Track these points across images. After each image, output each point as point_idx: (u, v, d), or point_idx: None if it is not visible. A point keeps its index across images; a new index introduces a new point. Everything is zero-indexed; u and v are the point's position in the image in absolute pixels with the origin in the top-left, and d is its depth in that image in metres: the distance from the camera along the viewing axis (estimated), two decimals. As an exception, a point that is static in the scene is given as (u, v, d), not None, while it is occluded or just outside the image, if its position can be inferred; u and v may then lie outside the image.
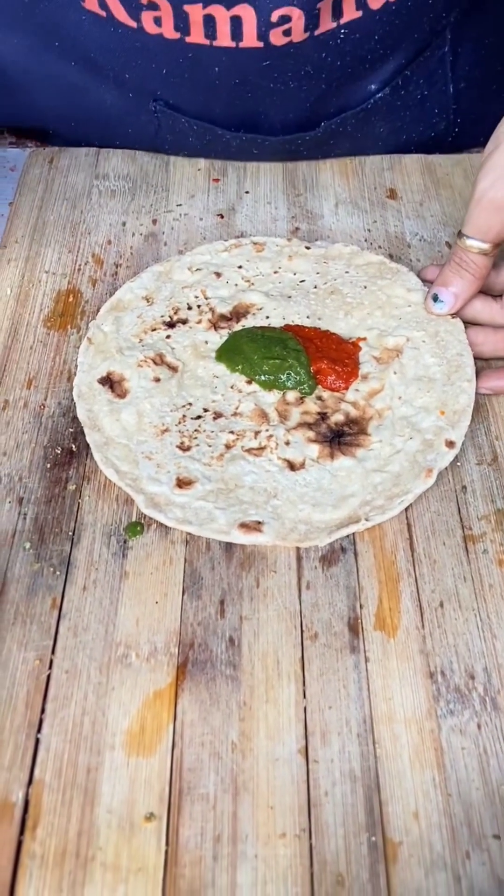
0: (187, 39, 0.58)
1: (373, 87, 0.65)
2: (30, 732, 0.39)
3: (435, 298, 0.54)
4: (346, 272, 0.59)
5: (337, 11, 0.58)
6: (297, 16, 0.57)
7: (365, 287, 0.57)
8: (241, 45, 0.58)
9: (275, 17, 0.57)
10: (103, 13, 0.58)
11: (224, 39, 0.58)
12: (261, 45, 0.58)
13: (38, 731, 0.39)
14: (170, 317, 0.57)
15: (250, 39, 0.58)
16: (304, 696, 0.41)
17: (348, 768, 0.39)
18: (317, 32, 0.59)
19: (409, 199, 0.66)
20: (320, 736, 0.39)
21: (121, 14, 0.58)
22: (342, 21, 0.59)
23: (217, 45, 0.58)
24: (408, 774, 0.39)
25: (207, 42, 0.58)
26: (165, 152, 0.69)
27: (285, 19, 0.57)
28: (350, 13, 0.59)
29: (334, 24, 0.59)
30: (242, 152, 0.67)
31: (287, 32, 0.58)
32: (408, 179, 0.68)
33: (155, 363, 0.54)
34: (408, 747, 0.39)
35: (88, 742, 0.39)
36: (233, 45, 0.58)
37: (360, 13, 0.59)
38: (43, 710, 0.40)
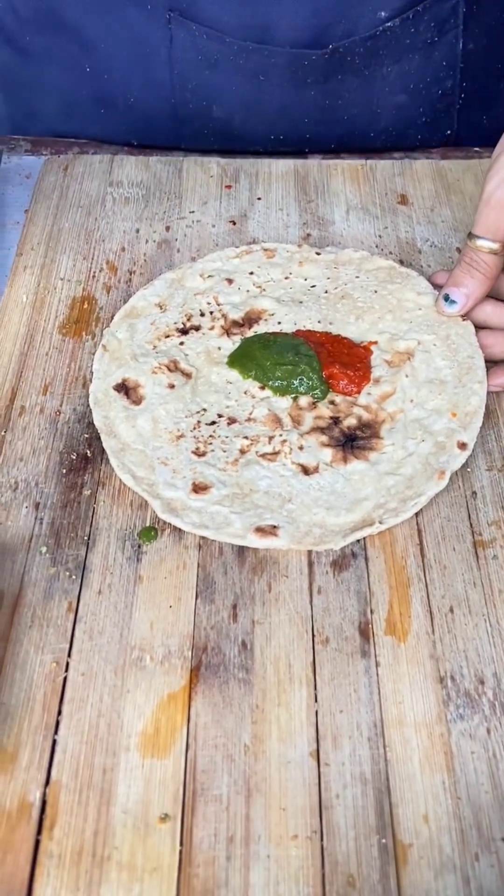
0: None
1: (382, 14, 0.65)
2: (47, 734, 0.40)
3: (446, 299, 0.55)
4: (357, 277, 0.59)
5: None
6: None
7: (375, 291, 0.58)
8: None
9: None
10: None
11: None
12: None
13: (56, 732, 0.40)
14: (183, 323, 0.57)
15: None
16: (316, 700, 0.41)
17: (359, 771, 0.39)
18: None
19: (420, 205, 0.67)
20: (331, 739, 0.40)
21: None
22: None
23: None
24: (418, 778, 0.39)
25: None
26: (174, 81, 0.69)
27: None
28: None
29: None
30: (250, 80, 0.67)
31: None
32: (419, 185, 0.68)
33: (169, 370, 0.55)
34: (418, 751, 0.40)
35: (104, 743, 0.40)
36: None
37: None
38: (60, 712, 0.41)
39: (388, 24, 0.66)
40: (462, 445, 0.50)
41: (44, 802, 0.38)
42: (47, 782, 0.39)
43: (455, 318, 0.55)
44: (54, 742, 0.40)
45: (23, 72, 0.74)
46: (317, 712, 0.41)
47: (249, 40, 0.66)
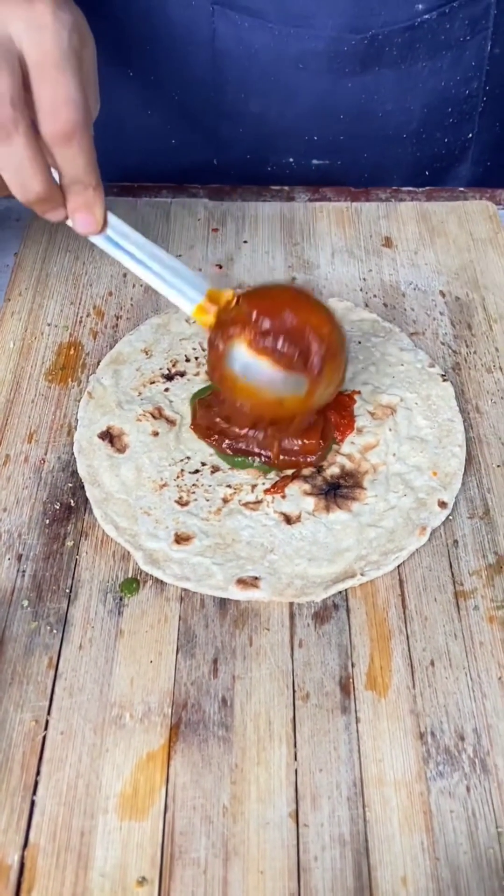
0: None
1: (420, 6, 0.67)
2: (25, 795, 0.40)
3: None
4: (341, 326, 0.60)
5: None
6: None
7: (359, 342, 0.58)
8: None
9: None
10: None
11: None
12: None
13: (34, 793, 0.40)
14: (168, 369, 0.58)
15: None
16: (296, 759, 0.41)
17: (338, 833, 0.39)
18: None
19: (404, 248, 0.67)
20: (311, 799, 0.40)
21: None
22: None
23: None
24: (397, 838, 0.39)
25: None
26: (216, 75, 0.69)
27: None
28: None
29: None
30: (288, 69, 0.68)
31: None
32: (403, 227, 0.69)
33: (153, 417, 0.55)
34: (397, 811, 0.40)
35: (82, 805, 0.40)
36: None
37: None
38: (38, 772, 0.41)
39: (426, 16, 0.67)
40: (442, 504, 0.50)
41: (22, 865, 0.38)
42: (25, 844, 0.39)
43: (435, 379, 0.56)
44: (32, 803, 0.40)
45: None
46: (296, 771, 0.41)
47: (291, 26, 0.66)
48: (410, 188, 0.74)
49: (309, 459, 0.52)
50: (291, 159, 0.73)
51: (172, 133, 0.74)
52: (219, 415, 0.53)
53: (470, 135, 0.76)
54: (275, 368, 0.47)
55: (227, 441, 0.52)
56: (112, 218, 0.51)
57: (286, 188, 0.72)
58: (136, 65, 0.72)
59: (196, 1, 0.67)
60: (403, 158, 0.74)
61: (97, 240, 0.51)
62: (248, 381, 0.48)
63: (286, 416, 0.50)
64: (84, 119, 0.46)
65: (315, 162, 0.73)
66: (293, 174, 0.75)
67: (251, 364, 0.47)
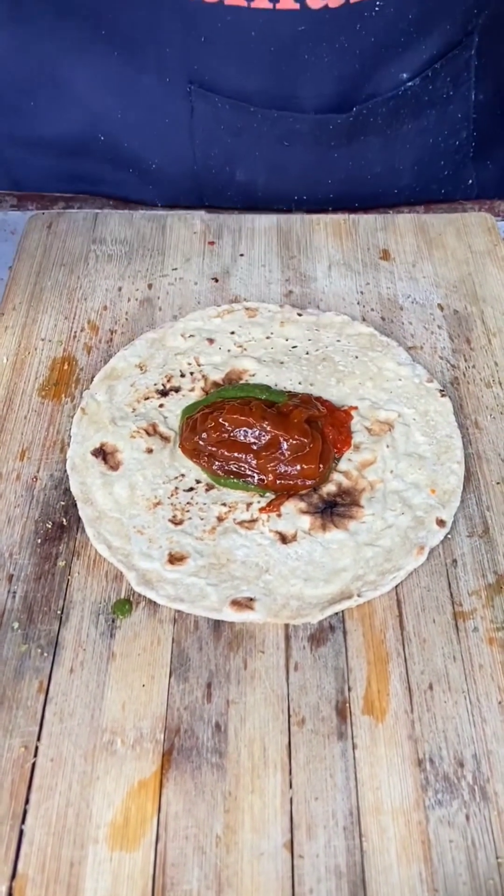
0: (226, 1, 0.60)
1: (403, 75, 0.67)
2: (14, 824, 0.39)
3: None
4: (338, 341, 0.59)
5: None
6: None
7: (356, 357, 0.58)
8: (279, 6, 0.59)
9: None
10: None
11: (261, 0, 0.59)
12: (297, 6, 0.60)
13: (23, 822, 0.39)
14: (163, 385, 0.57)
15: (287, 0, 0.59)
16: (291, 786, 0.40)
17: (334, 864, 0.38)
18: (353, 0, 0.60)
19: (402, 260, 0.67)
20: (306, 829, 0.39)
21: None
22: None
23: (254, 7, 0.60)
24: (394, 869, 0.38)
25: (245, 3, 0.60)
26: (197, 152, 0.69)
27: None
28: None
29: None
30: (273, 145, 0.68)
31: None
32: (401, 240, 0.69)
33: (148, 433, 0.54)
34: (395, 840, 0.39)
35: (72, 835, 0.39)
36: (270, 6, 0.59)
37: None
38: (27, 801, 0.40)
39: (409, 83, 0.67)
40: (441, 522, 0.49)
41: (9, 897, 0.37)
42: (13, 875, 0.38)
43: (433, 394, 0.55)
44: (21, 833, 0.39)
45: (30, 137, 0.73)
46: (291, 799, 0.40)
47: (274, 108, 0.66)
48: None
49: (308, 483, 0.51)
50: (282, 206, 0.73)
51: (156, 196, 0.73)
52: (206, 442, 0.51)
53: (470, 181, 0.75)
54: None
55: (217, 463, 0.51)
56: None
57: (283, 200, 0.72)
58: (107, 130, 0.71)
59: (171, 79, 0.66)
60: (398, 206, 0.74)
61: None
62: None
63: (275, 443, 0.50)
64: None
65: (306, 209, 0.72)
66: None
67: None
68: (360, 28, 0.62)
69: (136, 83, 0.67)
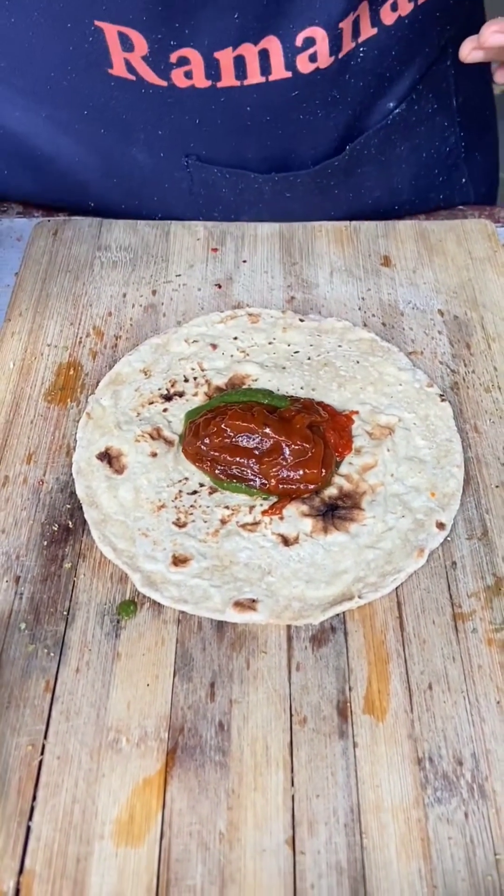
0: (219, 85, 0.61)
1: (391, 104, 0.68)
2: (21, 820, 0.40)
3: None
4: (339, 346, 0.60)
5: (356, 30, 0.61)
6: (321, 37, 0.59)
7: (357, 362, 0.59)
8: (271, 78, 0.60)
9: (299, 40, 0.59)
10: (132, 77, 0.60)
11: (254, 76, 0.60)
12: (289, 74, 0.61)
13: (30, 818, 0.40)
14: (167, 389, 0.58)
15: (279, 71, 0.60)
16: (292, 784, 0.41)
17: (335, 860, 0.39)
18: (340, 55, 0.61)
19: (402, 267, 0.68)
20: (307, 826, 0.40)
21: (150, 76, 0.60)
22: (360, 40, 0.62)
23: (248, 84, 0.61)
24: (394, 866, 0.39)
25: (238, 83, 0.60)
26: (200, 208, 0.70)
27: (310, 42, 0.59)
28: (367, 31, 0.62)
29: (353, 44, 0.62)
30: (275, 197, 0.69)
31: (313, 58, 0.60)
32: (402, 246, 0.69)
33: (152, 437, 0.55)
34: (395, 837, 0.40)
35: (78, 831, 0.39)
36: (262, 80, 0.60)
37: (375, 30, 0.62)
38: (34, 798, 0.40)
39: (396, 110, 0.68)
40: (440, 525, 0.50)
41: (17, 892, 0.38)
42: (21, 871, 0.39)
43: (433, 399, 0.56)
44: (28, 829, 0.40)
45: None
46: (293, 797, 0.41)
47: (273, 171, 0.67)
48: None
49: (310, 487, 0.51)
50: None
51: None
52: (209, 447, 0.52)
53: (463, 179, 0.76)
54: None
55: (218, 467, 0.52)
56: None
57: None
58: (98, 195, 0.71)
59: (165, 154, 0.66)
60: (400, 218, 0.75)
61: None
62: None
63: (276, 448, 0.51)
64: None
65: None
66: None
67: None
68: (348, 77, 0.64)
69: (128, 157, 0.67)
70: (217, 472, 0.52)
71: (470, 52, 0.55)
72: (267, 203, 0.70)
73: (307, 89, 0.62)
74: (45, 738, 0.42)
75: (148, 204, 0.71)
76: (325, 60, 0.61)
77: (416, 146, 0.72)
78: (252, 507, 0.52)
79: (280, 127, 0.65)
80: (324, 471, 0.51)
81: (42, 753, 0.42)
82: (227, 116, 0.63)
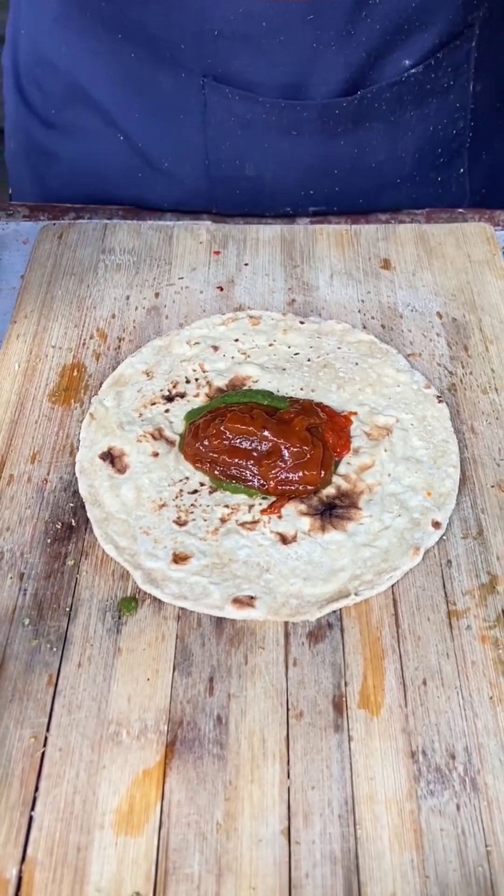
0: None
1: (406, 62, 0.69)
2: (24, 810, 0.41)
3: None
4: (339, 348, 0.61)
5: None
6: None
7: (356, 364, 0.60)
8: None
9: None
10: None
11: None
12: None
13: (32, 808, 0.41)
14: (168, 391, 0.59)
15: None
16: (288, 776, 0.42)
17: (329, 850, 0.40)
18: None
19: (402, 269, 0.69)
20: (303, 817, 0.41)
21: None
22: None
23: None
24: (387, 856, 0.40)
25: None
26: (207, 143, 0.72)
27: None
28: None
29: None
30: (282, 136, 0.70)
31: None
32: (402, 249, 0.70)
33: (154, 437, 0.56)
34: (388, 829, 0.41)
35: (79, 821, 0.41)
36: None
37: None
38: (37, 788, 0.42)
39: (412, 70, 0.69)
40: (436, 524, 0.51)
41: (19, 879, 0.39)
42: (23, 859, 0.40)
43: (431, 400, 0.57)
44: (31, 818, 0.41)
45: (53, 143, 0.78)
46: (289, 789, 0.42)
47: (283, 98, 0.69)
48: (410, 210, 0.75)
49: (309, 488, 0.52)
50: (289, 208, 0.74)
51: (165, 195, 0.75)
52: (208, 448, 0.53)
53: (461, 169, 0.77)
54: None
55: (218, 468, 0.53)
56: None
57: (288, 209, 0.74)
58: (125, 128, 0.74)
59: (185, 73, 0.69)
60: (399, 200, 0.75)
61: None
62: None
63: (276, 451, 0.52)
64: None
65: (312, 209, 0.74)
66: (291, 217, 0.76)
67: None
68: (365, 16, 0.65)
69: (153, 81, 0.70)
70: (216, 472, 0.53)
71: None
72: (273, 144, 0.71)
73: (323, 16, 0.64)
74: (48, 730, 0.43)
75: (162, 142, 0.73)
76: None
77: (426, 116, 0.72)
78: (251, 507, 0.53)
79: (293, 52, 0.66)
80: (322, 472, 0.52)
81: (44, 745, 0.43)
82: (245, 31, 0.65)
